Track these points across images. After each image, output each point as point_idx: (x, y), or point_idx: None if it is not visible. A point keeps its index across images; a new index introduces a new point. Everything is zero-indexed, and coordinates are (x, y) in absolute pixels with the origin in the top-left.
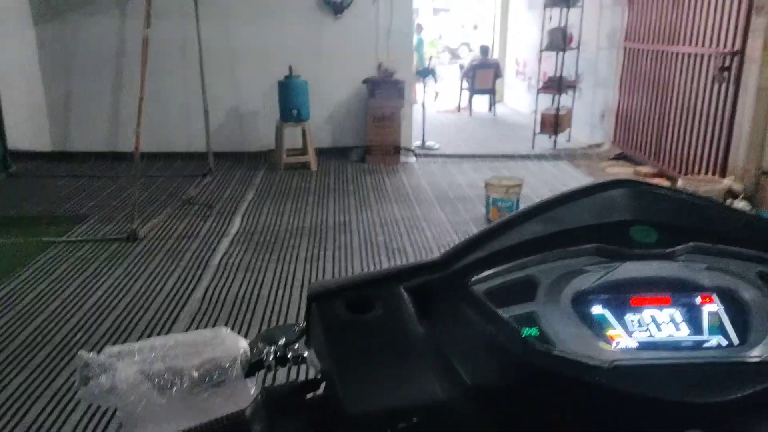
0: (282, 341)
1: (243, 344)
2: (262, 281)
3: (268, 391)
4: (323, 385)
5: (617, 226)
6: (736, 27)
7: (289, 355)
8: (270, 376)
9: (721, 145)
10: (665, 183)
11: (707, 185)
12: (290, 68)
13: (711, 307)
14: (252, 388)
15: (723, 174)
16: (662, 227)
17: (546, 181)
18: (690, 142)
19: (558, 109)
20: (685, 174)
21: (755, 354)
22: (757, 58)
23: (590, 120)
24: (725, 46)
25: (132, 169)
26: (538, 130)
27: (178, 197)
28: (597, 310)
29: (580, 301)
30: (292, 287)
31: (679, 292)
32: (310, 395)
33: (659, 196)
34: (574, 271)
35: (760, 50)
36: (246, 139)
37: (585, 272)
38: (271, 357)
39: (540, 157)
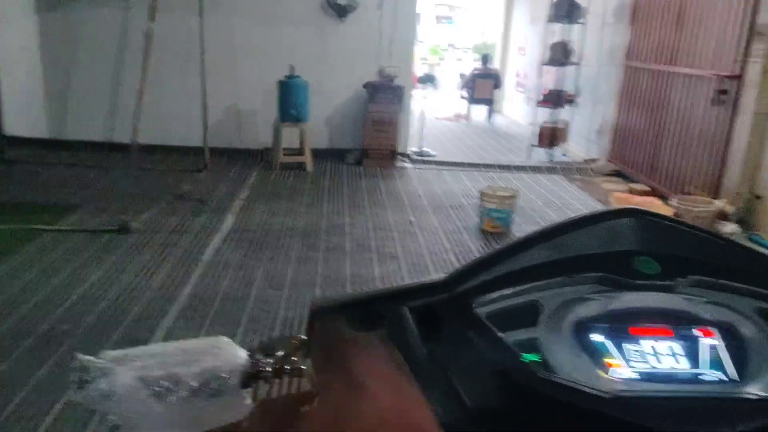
0: (280, 353)
1: (242, 354)
2: (253, 280)
3: (265, 404)
4: (318, 398)
5: (621, 256)
6: (736, 51)
7: (287, 367)
8: (267, 387)
9: (716, 167)
10: (658, 202)
11: (700, 206)
12: (291, 68)
13: (711, 342)
14: (248, 400)
15: (716, 195)
16: (665, 259)
17: (540, 194)
18: (684, 163)
19: (556, 122)
20: (677, 194)
21: (753, 390)
22: (756, 83)
23: (587, 135)
24: (724, 70)
25: (127, 160)
26: (535, 142)
27: (172, 191)
28: (598, 338)
29: (582, 329)
30: (282, 288)
31: (680, 324)
32: (305, 408)
33: (664, 227)
34: (577, 299)
35: (759, 75)
36: (243, 136)
37: (588, 300)
38: (269, 368)
39: (535, 169)
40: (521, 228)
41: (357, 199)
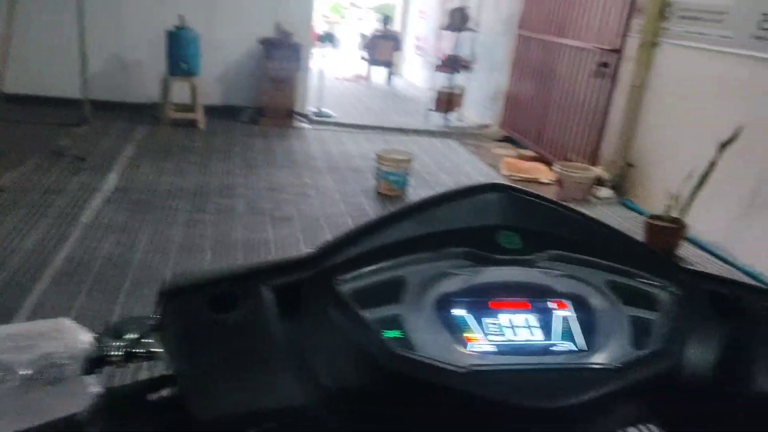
0: (131, 335)
1: (86, 337)
2: (136, 244)
3: (111, 391)
4: (173, 384)
5: (486, 231)
6: (618, 26)
7: (139, 350)
8: (117, 373)
9: (595, 136)
10: (544, 167)
11: (579, 172)
12: (181, 18)
13: (564, 313)
14: (93, 387)
15: (594, 163)
16: (526, 234)
17: (435, 158)
18: (568, 131)
19: (452, 88)
20: (562, 161)
21: (598, 360)
22: (633, 57)
23: (482, 101)
24: (607, 43)
25: None
26: (432, 106)
27: (46, 147)
28: (459, 313)
29: (444, 304)
30: (169, 252)
31: (536, 297)
32: (157, 395)
33: (527, 202)
34: (441, 273)
35: (635, 50)
36: (129, 89)
37: (451, 275)
38: (118, 352)
39: (432, 133)
40: (416, 191)
41: (251, 159)
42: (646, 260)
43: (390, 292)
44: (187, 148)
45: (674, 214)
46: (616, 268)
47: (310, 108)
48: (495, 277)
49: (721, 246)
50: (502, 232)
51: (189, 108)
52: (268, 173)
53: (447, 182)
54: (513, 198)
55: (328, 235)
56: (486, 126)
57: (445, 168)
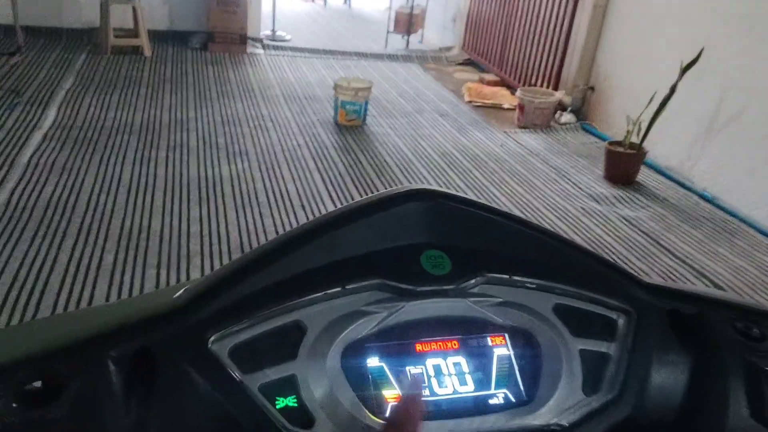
0: None
1: None
2: (82, 185)
3: None
4: None
5: (407, 253)
6: None
7: None
8: None
9: (558, 59)
10: (506, 91)
11: (541, 97)
12: None
13: (501, 351)
14: None
15: (557, 87)
16: (457, 253)
17: (396, 84)
18: (531, 54)
19: (412, 8)
20: (524, 85)
21: (541, 416)
22: None
23: (443, 22)
24: None
25: None
26: (391, 28)
27: None
28: (373, 363)
29: (354, 354)
30: (117, 192)
31: (470, 335)
32: None
33: (457, 212)
34: (350, 314)
35: None
36: (64, 13)
37: (364, 315)
38: None
39: (392, 57)
40: (377, 120)
41: (203, 89)
42: (600, 275)
43: (283, 345)
44: (133, 78)
45: (633, 139)
46: (564, 290)
47: (265, 32)
48: (418, 313)
49: (678, 170)
50: (427, 253)
51: (132, 33)
52: (222, 105)
53: (408, 110)
54: (440, 207)
55: (285, 170)
56: (447, 49)
57: (406, 95)
